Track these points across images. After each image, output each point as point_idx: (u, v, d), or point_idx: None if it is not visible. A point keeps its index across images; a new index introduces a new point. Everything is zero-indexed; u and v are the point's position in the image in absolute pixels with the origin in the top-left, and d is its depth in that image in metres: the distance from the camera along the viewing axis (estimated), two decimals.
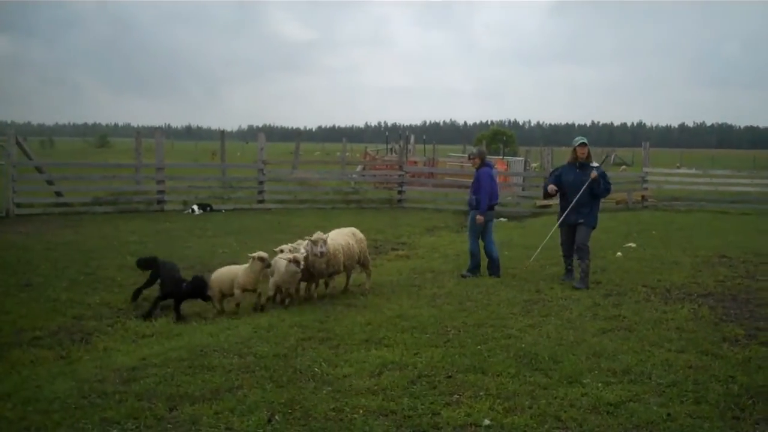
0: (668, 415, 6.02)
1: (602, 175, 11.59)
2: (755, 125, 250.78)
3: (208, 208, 21.95)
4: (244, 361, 7.40)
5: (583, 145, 11.81)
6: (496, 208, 12.88)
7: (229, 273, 10.48)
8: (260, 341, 8.13)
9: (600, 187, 11.56)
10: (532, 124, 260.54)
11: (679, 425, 5.80)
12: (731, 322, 9.16)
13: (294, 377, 6.94)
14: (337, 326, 8.82)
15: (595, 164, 11.85)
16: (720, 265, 13.32)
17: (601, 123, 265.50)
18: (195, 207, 21.62)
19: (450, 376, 6.97)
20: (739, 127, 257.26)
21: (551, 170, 12.27)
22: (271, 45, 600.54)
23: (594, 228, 11.88)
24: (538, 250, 12.96)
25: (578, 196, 11.57)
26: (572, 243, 11.80)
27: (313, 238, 10.41)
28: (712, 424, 5.83)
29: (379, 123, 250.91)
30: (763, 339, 8.30)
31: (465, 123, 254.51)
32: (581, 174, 11.65)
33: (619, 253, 14.28)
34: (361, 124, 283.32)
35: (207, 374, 7.00)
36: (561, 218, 11.95)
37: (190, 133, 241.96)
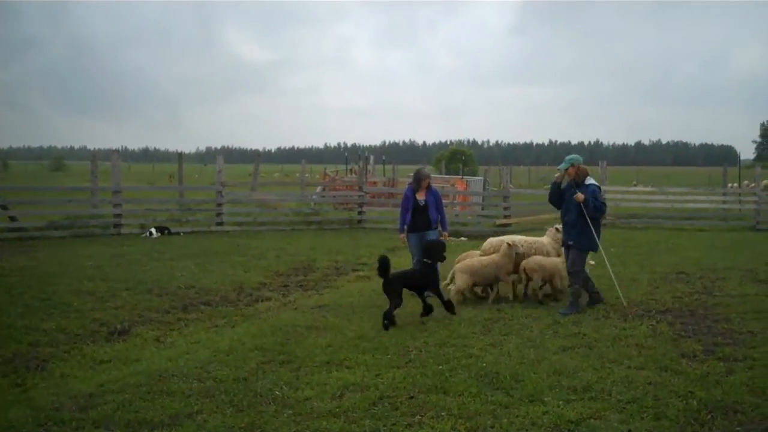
0: (629, 431, 6.05)
1: (593, 194, 11.05)
2: (709, 143, 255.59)
3: (166, 231, 21.69)
4: (204, 386, 7.32)
5: (571, 166, 11.36)
6: (458, 227, 12.97)
7: (481, 263, 11.81)
8: (220, 365, 8.04)
9: (588, 207, 11.01)
10: (490, 144, 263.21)
11: None
12: (689, 337, 9.26)
13: (254, 401, 6.87)
14: (298, 348, 8.75)
15: (590, 182, 11.27)
16: (677, 281, 13.48)
17: (558, 142, 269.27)
18: (153, 230, 21.35)
19: (412, 397, 6.95)
20: (694, 144, 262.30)
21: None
22: (231, 66, 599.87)
23: (586, 251, 11.34)
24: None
25: (566, 216, 11.39)
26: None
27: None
28: None
29: (339, 144, 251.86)
30: (720, 354, 8.40)
31: (424, 143, 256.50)
32: (572, 194, 11.26)
33: None
34: (321, 145, 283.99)
35: (166, 399, 6.91)
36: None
37: (147, 155, 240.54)
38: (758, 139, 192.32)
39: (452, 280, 12.01)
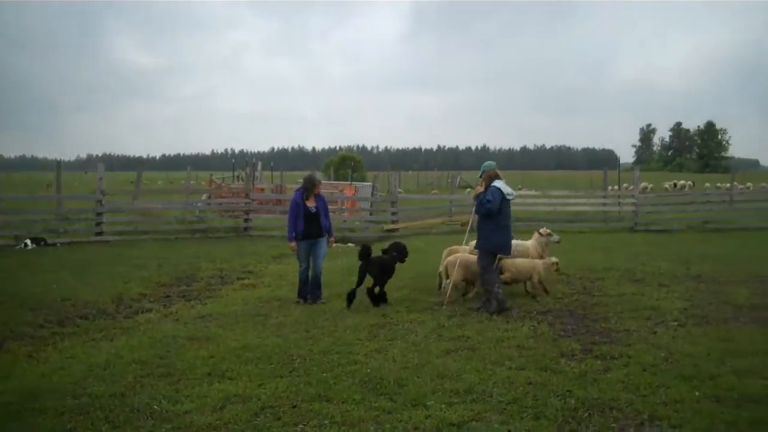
0: (509, 431, 6.13)
1: (486, 193, 11.29)
2: (591, 147, 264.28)
3: (42, 242, 20.89)
4: (78, 402, 7.04)
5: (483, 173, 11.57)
6: (345, 232, 12.91)
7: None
8: (96, 380, 7.77)
9: (476, 204, 11.48)
10: (380, 149, 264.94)
11: None
12: (569, 337, 9.47)
13: (131, 416, 6.66)
14: (178, 360, 8.54)
15: (495, 183, 11.34)
16: (558, 282, 13.78)
17: (446, 147, 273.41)
18: (28, 241, 20.52)
19: (295, 406, 6.86)
20: (577, 149, 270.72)
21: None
22: (116, 71, 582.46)
23: (484, 251, 11.41)
24: None
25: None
26: None
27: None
28: None
29: (226, 150, 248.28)
30: (597, 353, 8.62)
31: (314, 149, 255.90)
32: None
33: None
34: (208, 152, 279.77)
35: (38, 418, 6.63)
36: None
37: (24, 163, 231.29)
38: (637, 144, 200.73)
39: (447, 273, 12.22)
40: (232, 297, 13.17)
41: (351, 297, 11.67)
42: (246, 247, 20.78)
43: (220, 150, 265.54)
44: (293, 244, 12.34)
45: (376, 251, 12.39)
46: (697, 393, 7.04)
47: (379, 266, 12.01)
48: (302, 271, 12.29)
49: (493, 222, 11.25)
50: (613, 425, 6.31)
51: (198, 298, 13.26)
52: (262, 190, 31.99)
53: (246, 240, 23.08)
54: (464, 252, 12.72)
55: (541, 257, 12.98)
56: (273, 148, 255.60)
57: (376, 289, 11.84)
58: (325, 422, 6.44)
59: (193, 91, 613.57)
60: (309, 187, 12.38)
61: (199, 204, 29.02)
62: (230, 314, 11.35)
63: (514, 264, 12.32)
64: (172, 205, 28.49)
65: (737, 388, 7.12)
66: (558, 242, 13.54)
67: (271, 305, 12.00)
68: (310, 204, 12.29)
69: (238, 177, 41.60)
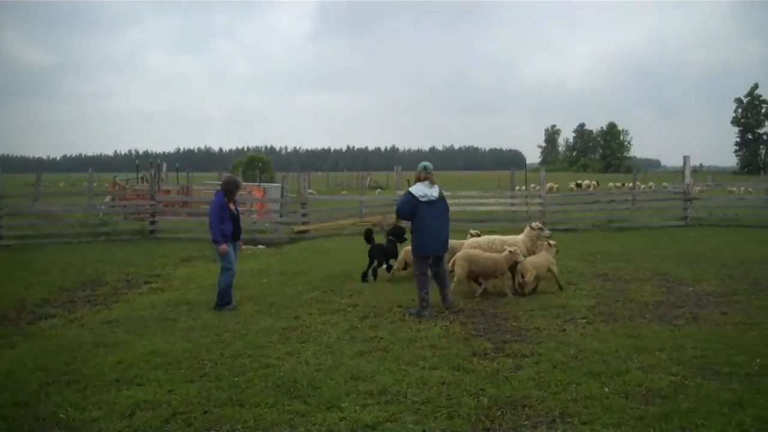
0: (423, 431, 6.14)
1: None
2: (499, 147, 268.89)
3: None
4: None
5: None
6: (255, 234, 12.70)
7: (482, 256, 12.48)
8: None
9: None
10: (288, 150, 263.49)
11: None
12: (480, 336, 9.56)
13: (37, 426, 6.46)
14: (84, 367, 8.28)
15: (413, 187, 11.62)
16: (469, 282, 13.91)
17: (356, 148, 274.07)
18: None
19: (206, 412, 6.75)
20: (485, 149, 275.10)
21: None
22: (9, 69, 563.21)
23: (413, 253, 11.70)
24: None
25: None
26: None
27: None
28: None
29: (130, 151, 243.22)
30: (509, 351, 8.72)
31: (221, 149, 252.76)
32: None
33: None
34: (111, 153, 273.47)
35: None
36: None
37: None
38: (543, 144, 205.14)
39: (453, 267, 12.43)
40: (139, 301, 12.82)
41: (364, 276, 14.24)
42: (153, 250, 20.29)
43: (124, 151, 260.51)
44: (223, 246, 11.83)
45: (295, 251, 12.28)
46: (606, 389, 7.19)
47: (383, 251, 14.41)
48: (232, 275, 11.96)
49: (414, 224, 11.36)
50: (525, 423, 6.39)
51: (104, 302, 12.86)
52: (168, 191, 31.37)
53: (152, 243, 22.53)
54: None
55: (531, 252, 13.18)
56: (179, 149, 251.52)
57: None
58: (238, 427, 6.35)
59: (94, 90, 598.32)
60: (232, 188, 12.04)
61: (103, 206, 28.27)
62: (138, 319, 11.06)
63: (531, 263, 12.44)
64: (74, 207, 27.64)
65: (645, 384, 7.30)
66: (549, 237, 13.54)
67: (180, 309, 11.75)
68: (232, 206, 12.02)
69: (142, 179, 40.74)
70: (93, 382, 7.71)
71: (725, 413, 6.42)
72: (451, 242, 12.94)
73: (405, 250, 13.92)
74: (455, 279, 12.27)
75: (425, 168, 11.67)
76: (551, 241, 13.14)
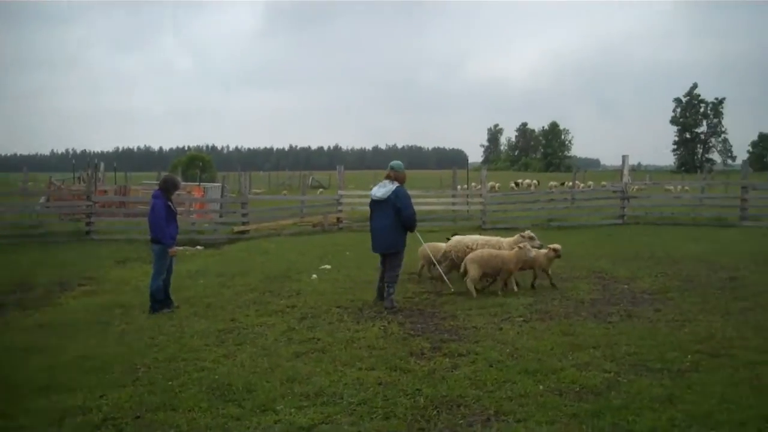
0: None
1: None
2: (442, 147, 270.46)
3: None
4: None
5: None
6: (194, 235, 12.47)
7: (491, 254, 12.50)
8: None
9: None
10: (230, 149, 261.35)
11: None
12: (418, 336, 9.57)
13: None
14: (12, 373, 8.10)
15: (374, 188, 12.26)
16: (408, 281, 13.95)
17: (298, 147, 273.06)
18: None
19: (138, 417, 6.63)
20: (428, 148, 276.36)
21: (408, 198, 12.01)
22: None
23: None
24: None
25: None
26: None
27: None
28: None
29: (67, 150, 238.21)
30: (446, 350, 8.74)
31: (161, 149, 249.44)
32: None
33: (314, 276, 14.47)
34: (47, 152, 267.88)
35: None
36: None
37: None
38: (486, 143, 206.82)
39: (465, 270, 12.52)
40: (71, 305, 12.53)
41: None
42: (88, 252, 19.88)
43: (60, 150, 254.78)
44: (174, 249, 11.64)
45: (234, 252, 12.13)
46: (541, 387, 7.25)
47: None
48: (165, 279, 11.74)
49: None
50: (460, 422, 6.41)
51: (35, 306, 12.51)
52: (105, 192, 30.79)
53: (88, 244, 22.06)
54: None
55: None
56: (117, 148, 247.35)
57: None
58: (171, 431, 6.23)
59: (30, 88, 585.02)
60: (170, 188, 11.80)
61: (37, 207, 27.67)
62: (69, 323, 10.82)
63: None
64: (6, 208, 26.97)
65: (579, 381, 7.38)
66: (540, 247, 13.34)
67: (114, 312, 11.52)
68: (171, 206, 11.79)
69: (79, 179, 40.02)
70: (22, 388, 7.52)
71: (656, 409, 6.52)
72: (432, 245, 13.67)
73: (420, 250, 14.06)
74: (468, 280, 12.31)
75: (391, 167, 12.04)
76: (555, 246, 13.04)
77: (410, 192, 12.48)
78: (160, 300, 11.56)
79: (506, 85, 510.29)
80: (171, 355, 8.70)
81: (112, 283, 14.78)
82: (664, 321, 10.16)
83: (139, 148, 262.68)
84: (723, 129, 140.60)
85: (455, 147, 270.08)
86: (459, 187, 34.72)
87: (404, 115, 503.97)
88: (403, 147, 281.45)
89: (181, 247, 14.47)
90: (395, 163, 12.14)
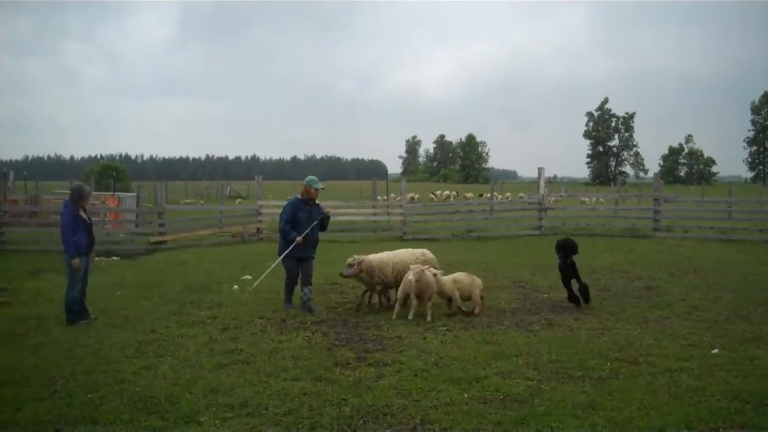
0: None
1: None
2: (360, 157, 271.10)
3: None
4: None
5: (318, 189, 12.70)
6: (109, 245, 12.16)
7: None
8: None
9: (326, 223, 12.88)
10: (144, 158, 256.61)
11: None
12: (343, 346, 9.57)
13: None
14: None
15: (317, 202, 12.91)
16: (331, 291, 13.95)
17: (216, 156, 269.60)
18: None
19: (58, 430, 6.49)
20: (347, 159, 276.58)
21: (283, 212, 12.70)
22: None
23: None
24: (260, 279, 13.43)
25: (309, 232, 12.35)
26: (299, 275, 12.40)
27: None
28: None
29: None
30: (371, 360, 8.77)
31: (72, 157, 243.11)
32: (313, 212, 12.57)
33: (235, 286, 14.30)
34: None
35: None
36: (286, 253, 12.33)
37: None
38: (404, 155, 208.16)
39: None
40: None
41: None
42: None
43: None
44: (77, 261, 11.24)
45: (151, 263, 11.88)
46: (465, 395, 7.34)
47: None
48: (80, 290, 11.41)
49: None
50: (387, 431, 6.42)
51: None
52: (16, 201, 29.89)
53: None
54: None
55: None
56: (27, 157, 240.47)
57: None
58: None
59: None
60: (81, 197, 11.49)
61: None
62: None
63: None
64: None
65: (502, 389, 7.49)
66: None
67: (29, 324, 11.17)
68: (84, 215, 11.48)
69: None
70: None
71: (579, 416, 6.66)
72: None
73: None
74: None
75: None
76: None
77: (331, 202, 12.86)
78: (77, 311, 11.27)
79: (423, 96, 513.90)
80: (90, 367, 8.48)
81: (26, 294, 14.33)
82: (584, 329, 10.40)
83: (49, 156, 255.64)
84: (634, 143, 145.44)
85: (374, 158, 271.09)
86: (379, 197, 34.82)
87: (323, 125, 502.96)
88: (323, 157, 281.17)
89: (97, 258, 14.09)
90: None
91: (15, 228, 24.45)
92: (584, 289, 12.16)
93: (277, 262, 12.90)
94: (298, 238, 12.16)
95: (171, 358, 8.98)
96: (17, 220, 25.32)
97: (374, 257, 12.22)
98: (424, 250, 12.93)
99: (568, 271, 12.37)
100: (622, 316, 11.39)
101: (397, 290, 11.86)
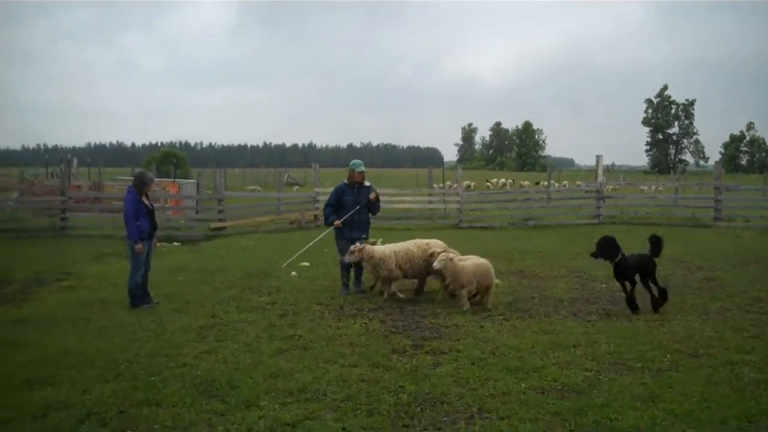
0: (344, 429, 6.16)
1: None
2: (416, 145, 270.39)
3: None
4: None
5: (360, 172, 12.95)
6: (170, 231, 12.37)
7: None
8: None
9: (377, 206, 13.16)
10: (204, 146, 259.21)
11: None
12: (400, 333, 9.61)
13: None
14: None
15: (367, 183, 13.15)
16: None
17: (273, 144, 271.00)
18: None
19: (122, 412, 6.62)
20: (403, 147, 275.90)
21: (331, 193, 13.37)
22: None
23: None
24: (295, 256, 13.89)
25: (356, 214, 12.79)
26: None
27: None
28: None
29: (39, 145, 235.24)
30: (428, 348, 8.78)
31: (133, 144, 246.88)
32: (359, 195, 12.89)
33: (293, 273, 14.45)
34: (18, 147, 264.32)
35: None
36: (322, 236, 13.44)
37: None
38: (460, 142, 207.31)
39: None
40: (50, 300, 12.43)
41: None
42: (64, 248, 19.75)
43: (32, 145, 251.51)
44: (141, 245, 11.51)
45: (211, 248, 12.06)
46: (523, 385, 7.31)
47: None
48: (143, 275, 11.67)
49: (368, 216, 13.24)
50: (444, 419, 6.45)
51: (13, 301, 12.41)
52: (79, 187, 30.59)
53: (63, 240, 21.91)
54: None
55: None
56: (89, 144, 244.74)
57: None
58: (155, 427, 6.25)
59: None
60: (140, 184, 11.73)
61: (10, 203, 27.44)
62: (49, 318, 10.74)
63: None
64: None
65: (560, 379, 7.45)
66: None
67: (93, 308, 11.45)
68: (146, 201, 11.73)
69: (52, 174, 39.71)
70: (2, 383, 7.48)
71: (638, 407, 6.60)
72: None
73: None
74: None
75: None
76: None
77: (387, 190, 13.37)
78: (140, 296, 11.53)
79: (480, 84, 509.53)
80: (153, 351, 8.68)
81: (91, 278, 14.68)
82: (643, 320, 10.28)
83: (111, 143, 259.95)
84: (694, 130, 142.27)
85: (430, 145, 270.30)
86: (435, 185, 34.76)
87: (379, 112, 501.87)
88: (378, 145, 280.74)
89: (158, 243, 14.36)
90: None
91: (79, 213, 25.03)
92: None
93: (309, 244, 14.19)
94: (337, 222, 12.76)
95: (231, 342, 9.13)
96: (81, 206, 25.94)
97: (377, 249, 12.17)
98: (433, 240, 12.73)
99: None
100: (682, 307, 11.23)
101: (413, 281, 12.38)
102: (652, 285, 11.07)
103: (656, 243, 11.22)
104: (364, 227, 13.01)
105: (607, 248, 10.99)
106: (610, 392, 7.05)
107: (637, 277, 11.00)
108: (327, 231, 13.39)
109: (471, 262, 11.61)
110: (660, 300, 10.98)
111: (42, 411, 6.63)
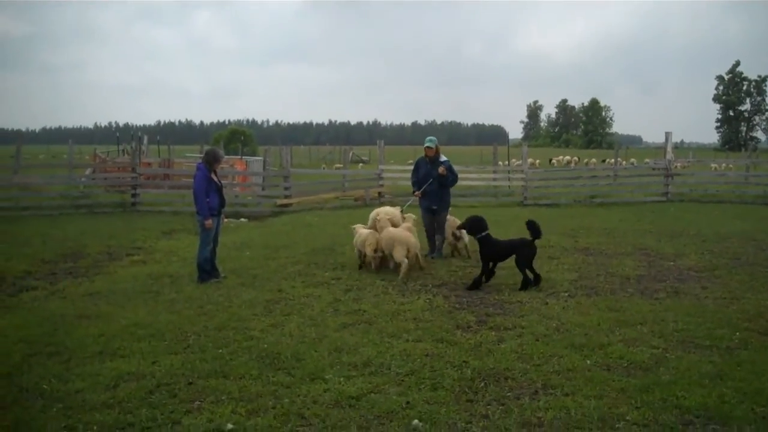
0: (407, 403, 6.18)
1: (449, 169, 13.76)
2: (481, 123, 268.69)
3: None
4: None
5: (428, 147, 13.84)
6: (238, 207, 12.57)
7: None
8: None
9: (448, 179, 13.77)
10: (270, 124, 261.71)
11: (418, 412, 5.96)
12: (463, 309, 9.60)
13: (20, 397, 6.43)
14: (67, 339, 8.25)
15: (443, 159, 13.91)
16: (452, 256, 13.96)
17: (338, 122, 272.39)
18: None
19: (191, 383, 6.74)
20: (467, 124, 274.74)
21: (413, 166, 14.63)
22: None
23: (447, 209, 14.10)
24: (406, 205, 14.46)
25: (427, 186, 13.73)
26: (434, 225, 13.99)
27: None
28: (449, 408, 6.05)
29: (110, 123, 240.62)
30: (492, 324, 8.77)
31: (202, 123, 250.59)
32: (431, 168, 13.76)
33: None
34: (90, 125, 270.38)
35: None
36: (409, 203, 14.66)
37: None
38: (525, 120, 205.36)
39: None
40: (121, 274, 12.75)
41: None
42: (134, 223, 20.20)
43: (104, 123, 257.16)
44: (210, 221, 11.66)
45: (277, 225, 12.19)
46: (588, 362, 7.25)
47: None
48: (211, 250, 11.88)
49: (447, 190, 14.14)
50: (508, 394, 6.43)
51: (85, 275, 12.78)
52: (149, 164, 31.16)
53: (134, 215, 22.44)
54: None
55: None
56: (159, 122, 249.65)
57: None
58: (223, 398, 6.35)
59: (65, 61, 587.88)
60: (210, 161, 11.88)
61: (83, 179, 28.09)
62: (120, 291, 11.02)
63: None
64: (54, 179, 27.47)
65: (626, 357, 7.37)
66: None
67: (163, 282, 11.70)
68: (215, 178, 11.90)
69: (123, 151, 40.50)
70: (76, 354, 7.70)
71: (706, 385, 6.49)
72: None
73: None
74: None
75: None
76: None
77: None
78: (208, 270, 11.73)
79: (546, 61, 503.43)
80: (220, 324, 8.83)
81: (160, 253, 15.00)
82: (712, 298, 10.10)
83: (180, 122, 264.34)
84: (767, 107, 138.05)
85: (495, 123, 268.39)
86: (500, 163, 34.53)
87: (444, 89, 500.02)
88: (443, 123, 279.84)
89: (226, 219, 14.56)
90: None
91: (149, 190, 25.52)
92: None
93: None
94: (417, 192, 14.00)
95: (297, 316, 9.24)
96: (151, 182, 26.42)
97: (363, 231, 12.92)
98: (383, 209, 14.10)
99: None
100: (752, 285, 10.99)
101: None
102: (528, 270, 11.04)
103: (533, 227, 11.03)
104: (436, 198, 13.80)
105: (473, 225, 11.51)
106: (677, 370, 6.95)
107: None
108: (412, 199, 14.65)
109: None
110: (530, 282, 10.95)
111: (113, 382, 6.79)
